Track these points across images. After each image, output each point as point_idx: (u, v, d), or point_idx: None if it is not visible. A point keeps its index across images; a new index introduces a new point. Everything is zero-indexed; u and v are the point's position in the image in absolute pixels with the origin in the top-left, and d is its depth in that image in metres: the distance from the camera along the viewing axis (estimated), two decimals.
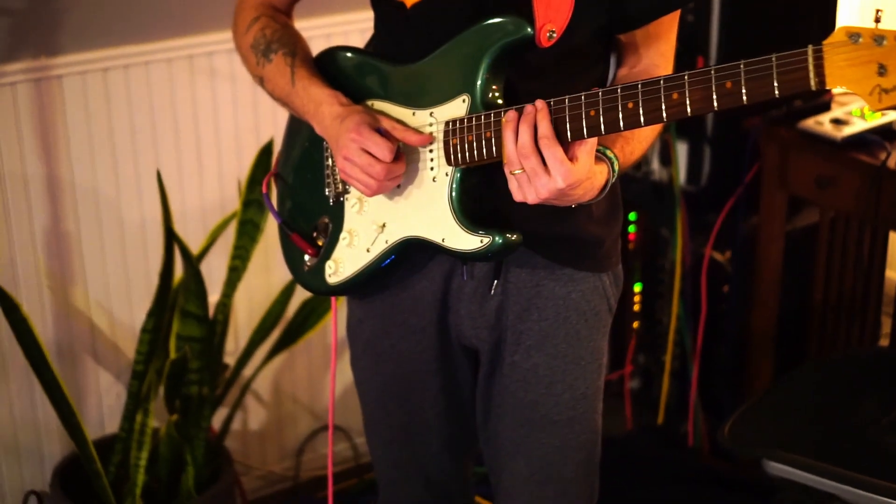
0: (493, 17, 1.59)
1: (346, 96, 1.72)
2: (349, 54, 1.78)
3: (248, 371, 2.68)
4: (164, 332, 2.42)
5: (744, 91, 1.38)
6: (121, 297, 2.68)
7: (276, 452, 3.02)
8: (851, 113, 2.77)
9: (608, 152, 1.59)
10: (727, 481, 2.94)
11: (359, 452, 3.10)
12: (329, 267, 1.79)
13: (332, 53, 1.80)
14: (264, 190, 1.87)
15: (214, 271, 2.64)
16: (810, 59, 1.32)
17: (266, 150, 2.46)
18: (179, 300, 2.38)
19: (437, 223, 1.65)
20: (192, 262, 2.31)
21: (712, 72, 1.40)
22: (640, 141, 1.66)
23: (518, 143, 1.52)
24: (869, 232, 3.18)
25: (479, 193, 1.66)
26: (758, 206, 2.93)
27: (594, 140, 1.52)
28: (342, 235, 1.76)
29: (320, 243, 1.81)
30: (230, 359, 2.68)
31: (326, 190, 1.80)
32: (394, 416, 1.92)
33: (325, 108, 1.70)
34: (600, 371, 1.87)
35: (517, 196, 1.55)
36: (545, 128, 1.51)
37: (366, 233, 1.74)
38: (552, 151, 1.51)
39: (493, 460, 1.92)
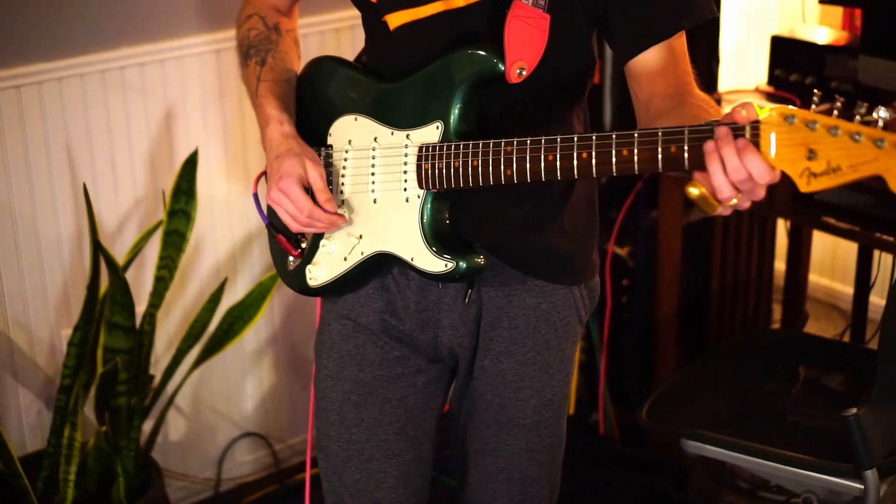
0: (467, 49, 1.66)
1: (323, 111, 1.79)
2: (339, 67, 1.84)
3: (171, 381, 2.70)
4: (91, 344, 2.43)
5: (686, 156, 1.43)
6: (39, 315, 2.68)
7: (196, 462, 3.03)
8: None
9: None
10: (641, 465, 3.07)
11: (279, 458, 3.14)
12: (310, 271, 1.84)
13: (323, 64, 1.86)
14: (254, 189, 1.91)
15: (135, 283, 2.65)
16: (748, 135, 1.37)
17: (190, 161, 2.49)
18: (105, 312, 2.39)
19: (408, 242, 1.72)
20: (119, 273, 2.33)
21: (659, 133, 1.45)
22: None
23: (729, 168, 1.40)
24: (758, 224, 3.35)
25: (449, 216, 1.72)
26: (657, 201, 3.06)
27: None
28: (322, 242, 1.82)
29: (304, 246, 1.86)
30: (153, 369, 2.69)
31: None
32: (352, 431, 1.89)
33: (269, 130, 1.76)
34: (567, 379, 1.94)
35: (727, 212, 1.47)
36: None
37: (344, 243, 1.79)
38: (755, 158, 1.39)
39: (462, 457, 1.99)
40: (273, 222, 1.90)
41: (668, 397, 2.48)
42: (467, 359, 1.89)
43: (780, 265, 3.58)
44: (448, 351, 1.88)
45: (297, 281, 1.88)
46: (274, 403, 3.14)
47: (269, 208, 1.93)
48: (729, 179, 1.40)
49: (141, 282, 2.68)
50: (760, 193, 1.43)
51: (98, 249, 2.34)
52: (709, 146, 1.41)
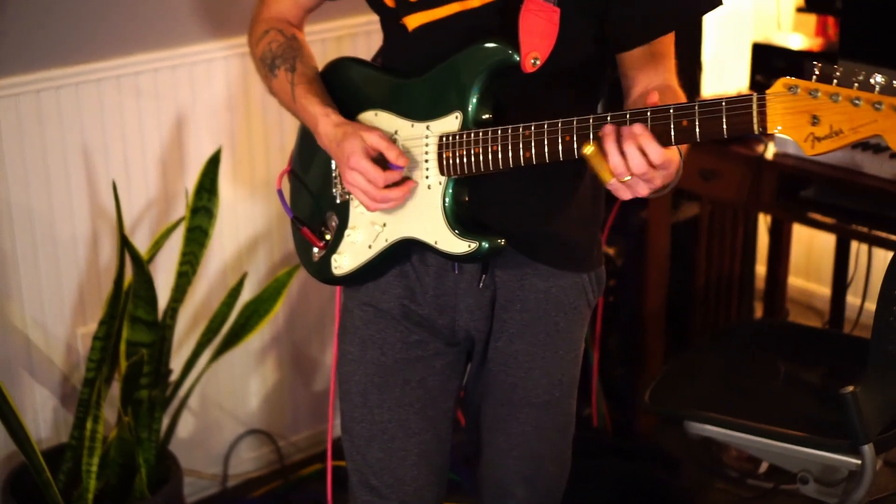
0: (483, 42, 1.77)
1: (343, 109, 1.87)
2: (358, 66, 1.95)
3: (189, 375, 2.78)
4: (115, 338, 2.51)
5: (697, 130, 1.57)
6: (54, 312, 2.75)
7: (203, 458, 3.11)
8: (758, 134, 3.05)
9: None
10: (634, 455, 3.18)
11: (283, 455, 3.22)
12: (335, 260, 1.94)
13: (342, 64, 1.97)
14: (278, 186, 2.01)
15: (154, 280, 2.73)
16: (754, 106, 1.51)
17: (213, 160, 2.58)
18: (129, 307, 2.47)
19: (431, 226, 1.82)
20: (144, 268, 2.41)
21: (671, 110, 1.59)
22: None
23: (632, 163, 1.59)
24: (742, 222, 3.49)
25: (469, 201, 1.83)
26: (646, 200, 3.17)
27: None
28: (347, 232, 1.92)
29: (328, 237, 1.95)
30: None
31: (333, 190, 1.96)
32: (375, 412, 1.98)
33: (320, 126, 1.86)
34: (576, 361, 2.04)
35: (625, 196, 1.65)
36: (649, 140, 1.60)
37: (368, 231, 1.89)
38: (653, 147, 1.59)
39: (476, 437, 2.10)
40: (297, 216, 2.00)
41: (667, 384, 2.59)
42: (482, 341, 1.99)
43: (759, 267, 3.71)
44: (464, 334, 1.98)
45: (322, 271, 1.98)
46: (277, 401, 3.22)
47: (292, 204, 2.04)
48: (625, 161, 1.59)
49: (157, 279, 2.75)
50: (654, 180, 1.61)
51: (125, 245, 2.41)
52: (606, 129, 1.61)
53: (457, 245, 1.81)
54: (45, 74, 2.60)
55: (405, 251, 1.90)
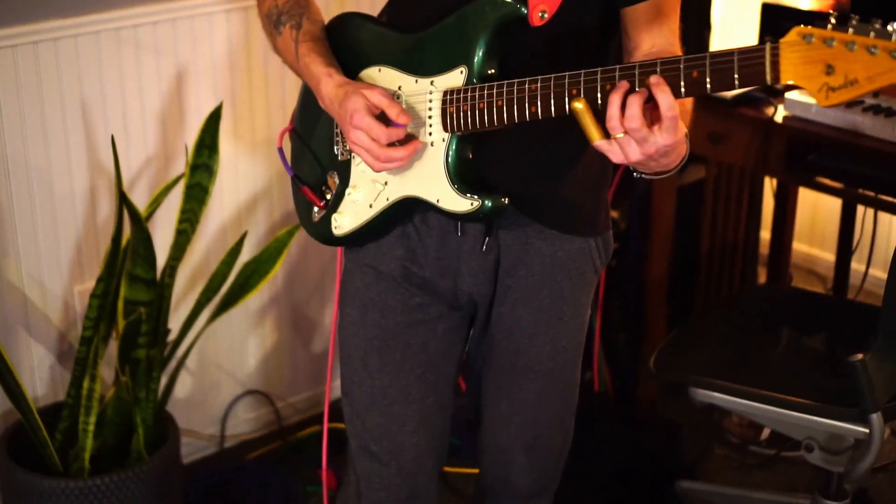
0: None
1: (347, 65, 1.82)
2: (362, 21, 1.89)
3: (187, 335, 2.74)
4: (112, 297, 2.47)
5: (708, 81, 1.50)
6: (52, 269, 2.71)
7: (201, 418, 3.08)
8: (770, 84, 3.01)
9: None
10: (635, 422, 3.16)
11: (281, 416, 3.19)
12: (335, 220, 1.89)
13: (346, 19, 1.92)
14: (279, 144, 1.96)
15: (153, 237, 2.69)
16: (767, 56, 1.44)
17: (214, 115, 2.53)
18: (127, 265, 2.43)
19: (434, 185, 1.77)
20: (143, 225, 2.36)
21: (682, 61, 1.52)
22: (687, 113, 1.71)
23: (627, 113, 1.53)
24: (748, 186, 3.45)
25: (472, 158, 1.78)
26: None
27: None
28: (348, 191, 1.87)
29: (328, 197, 1.91)
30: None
31: (335, 148, 1.91)
32: (375, 377, 1.94)
33: (322, 87, 1.81)
34: (582, 328, 2.00)
35: (616, 157, 1.58)
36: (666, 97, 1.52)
37: (369, 190, 1.85)
38: (665, 98, 1.52)
39: (478, 403, 2.07)
40: (298, 175, 1.95)
41: (672, 351, 2.57)
42: (485, 306, 1.95)
43: (763, 232, 3.68)
44: (467, 298, 1.93)
45: (322, 231, 1.94)
46: (276, 362, 3.19)
47: (293, 162, 2.00)
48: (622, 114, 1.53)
49: (156, 236, 2.71)
50: (646, 145, 1.53)
51: (123, 201, 2.37)
52: (622, 84, 1.54)
53: (459, 203, 1.76)
54: (42, 26, 2.54)
55: (407, 211, 1.86)
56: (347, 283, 1.98)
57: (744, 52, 1.47)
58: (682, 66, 1.52)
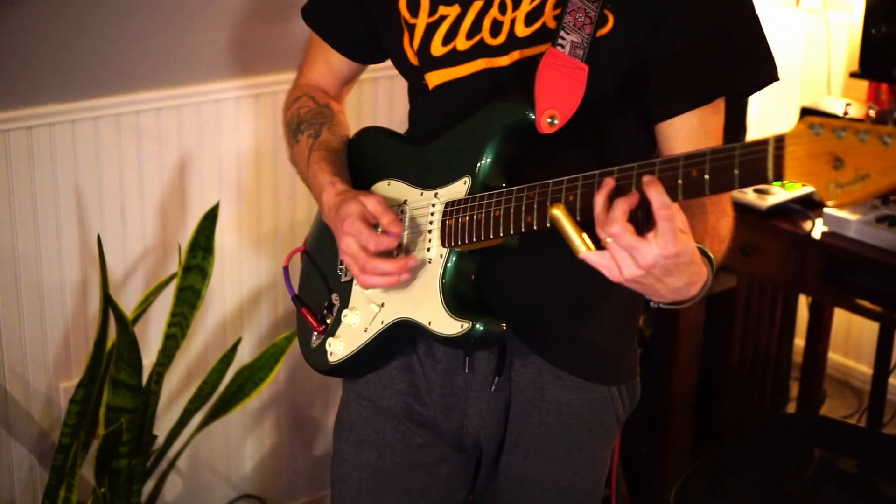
0: (497, 100, 1.58)
1: (364, 178, 1.72)
2: (378, 134, 1.79)
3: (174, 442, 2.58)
4: (94, 402, 2.31)
5: (707, 178, 1.31)
6: (36, 364, 2.56)
7: None
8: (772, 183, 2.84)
9: (704, 248, 1.47)
10: None
11: None
12: (329, 344, 1.74)
13: (364, 133, 1.81)
14: (285, 263, 1.84)
15: (140, 336, 2.54)
16: (770, 150, 1.26)
17: (210, 215, 2.38)
18: (111, 369, 2.28)
19: (427, 305, 1.61)
20: (129, 329, 2.21)
21: (681, 159, 1.34)
22: (721, 241, 1.56)
23: (609, 216, 1.36)
24: (781, 299, 3.27)
25: (471, 279, 1.61)
26: None
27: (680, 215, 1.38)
28: (345, 313, 1.72)
29: (329, 322, 1.76)
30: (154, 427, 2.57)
31: (339, 269, 1.77)
32: None
33: (324, 195, 1.68)
34: (599, 482, 1.80)
35: (610, 273, 1.38)
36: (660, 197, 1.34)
37: (365, 312, 1.69)
38: (659, 197, 1.33)
39: None
40: (300, 296, 1.81)
41: (694, 483, 2.40)
42: (493, 452, 1.77)
43: (797, 340, 3.49)
44: (473, 441, 1.76)
45: (317, 359, 1.78)
46: (273, 465, 3.02)
47: (301, 285, 1.85)
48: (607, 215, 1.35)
49: (146, 335, 2.56)
50: (640, 255, 1.34)
51: (108, 304, 2.22)
52: (607, 181, 1.37)
53: (449, 325, 1.57)
54: (37, 111, 2.42)
55: (406, 338, 1.69)
56: (343, 415, 1.81)
57: (746, 147, 1.28)
58: (681, 164, 1.33)
